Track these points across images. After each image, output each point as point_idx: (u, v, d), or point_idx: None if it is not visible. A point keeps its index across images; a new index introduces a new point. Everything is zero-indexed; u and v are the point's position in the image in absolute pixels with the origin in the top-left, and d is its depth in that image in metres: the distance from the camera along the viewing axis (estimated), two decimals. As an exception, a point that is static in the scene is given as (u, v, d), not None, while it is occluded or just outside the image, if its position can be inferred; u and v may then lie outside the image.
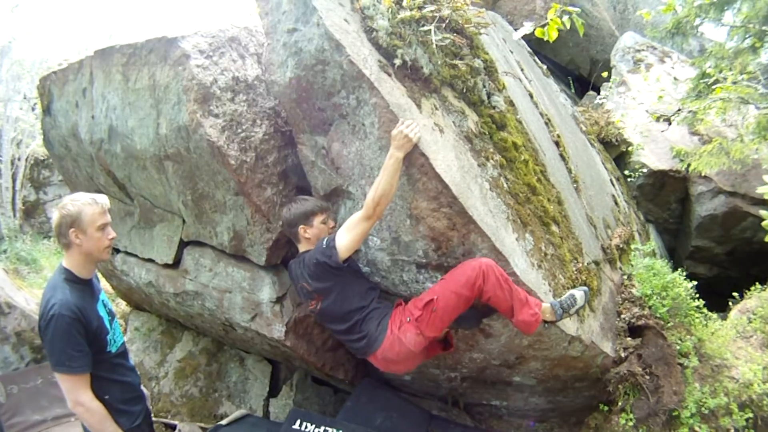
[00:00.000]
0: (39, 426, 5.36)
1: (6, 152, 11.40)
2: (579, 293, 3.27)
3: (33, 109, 12.40)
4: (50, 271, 9.85)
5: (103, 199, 2.57)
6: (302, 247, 3.22)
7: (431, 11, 3.30)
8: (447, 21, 3.43)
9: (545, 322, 3.18)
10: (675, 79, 8.13)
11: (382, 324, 3.00)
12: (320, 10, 2.94)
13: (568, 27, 2.99)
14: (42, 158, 12.04)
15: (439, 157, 2.92)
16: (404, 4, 3.27)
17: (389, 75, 3.00)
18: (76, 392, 2.38)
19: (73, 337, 2.33)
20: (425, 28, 3.21)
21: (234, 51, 3.57)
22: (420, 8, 3.28)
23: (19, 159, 11.78)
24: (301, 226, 3.15)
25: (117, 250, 5.08)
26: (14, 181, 11.54)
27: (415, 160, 2.87)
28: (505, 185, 3.40)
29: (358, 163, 3.08)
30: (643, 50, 8.75)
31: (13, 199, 11.42)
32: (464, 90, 3.44)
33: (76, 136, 4.74)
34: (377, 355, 3.03)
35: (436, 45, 3.24)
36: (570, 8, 2.95)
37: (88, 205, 2.47)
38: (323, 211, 3.21)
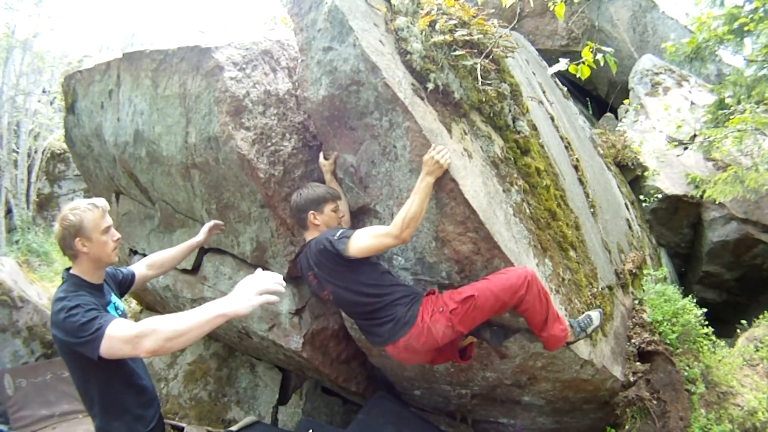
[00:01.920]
0: (46, 421, 5.42)
1: (23, 144, 11.50)
2: (595, 314, 3.34)
3: (51, 103, 12.51)
4: (61, 264, 9.90)
5: (102, 203, 2.51)
6: (309, 235, 3.17)
7: (462, 35, 3.35)
8: (476, 44, 3.49)
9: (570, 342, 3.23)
10: (692, 104, 8.16)
11: (412, 310, 2.93)
12: (357, 30, 2.99)
13: (602, 64, 3.02)
14: (59, 152, 12.15)
15: (468, 183, 2.97)
16: (437, 27, 3.32)
17: (422, 99, 3.06)
18: (129, 335, 2.01)
19: (92, 311, 2.20)
20: (457, 52, 3.26)
21: (266, 64, 3.62)
22: (452, 31, 3.33)
23: (36, 151, 11.88)
24: (312, 212, 3.10)
25: (135, 252, 5.12)
26: (30, 173, 11.64)
27: (444, 184, 2.92)
28: (528, 210, 3.45)
29: (387, 184, 3.12)
30: (661, 73, 8.78)
31: (28, 191, 11.51)
32: (491, 114, 3.49)
33: (99, 137, 4.79)
34: (399, 343, 2.95)
35: (466, 69, 3.29)
36: (604, 48, 2.99)
37: (89, 211, 2.41)
38: (334, 200, 3.17)
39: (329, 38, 3.10)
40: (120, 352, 2.03)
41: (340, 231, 2.92)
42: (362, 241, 2.82)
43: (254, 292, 1.95)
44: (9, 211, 11.10)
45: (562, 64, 3.01)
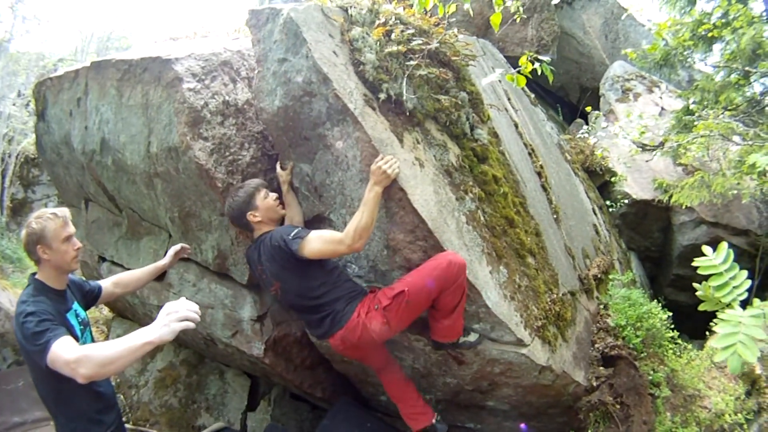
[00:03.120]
0: (18, 428, 5.38)
1: (-3, 149, 11.42)
2: (474, 336, 3.39)
3: (26, 107, 12.41)
4: (34, 270, 9.82)
5: (64, 212, 2.62)
6: (257, 233, 3.19)
7: (419, 44, 3.39)
8: (435, 53, 3.53)
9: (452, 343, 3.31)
10: (662, 110, 8.29)
11: (350, 306, 3.01)
12: (310, 42, 3.03)
13: (539, 74, 3.08)
14: (32, 156, 12.05)
15: (417, 192, 3.01)
16: (393, 36, 3.35)
17: (373, 109, 3.10)
18: (67, 359, 2.12)
19: (45, 321, 2.31)
20: (412, 62, 3.30)
21: (226, 75, 3.65)
22: (408, 41, 3.37)
23: (9, 156, 11.78)
24: (249, 213, 3.12)
25: (103, 259, 5.12)
26: (3, 177, 11.54)
27: (393, 194, 2.97)
28: (483, 218, 3.49)
29: (339, 193, 3.17)
30: (632, 79, 8.91)
31: (1, 196, 11.42)
32: (447, 123, 3.53)
33: (68, 145, 4.79)
34: (337, 336, 3.03)
35: (422, 79, 3.34)
36: (541, 57, 3.05)
37: (50, 220, 2.52)
38: (259, 188, 3.19)
39: (284, 49, 3.14)
40: (60, 370, 2.14)
41: (295, 230, 2.94)
42: (316, 245, 2.86)
43: (174, 319, 2.04)
44: (-18, 217, 11.01)
45: (496, 75, 3.06)
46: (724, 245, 3.02)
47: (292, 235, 2.90)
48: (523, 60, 3.06)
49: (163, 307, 2.09)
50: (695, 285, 3.25)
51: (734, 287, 2.88)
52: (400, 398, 3.56)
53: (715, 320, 3.64)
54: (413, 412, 3.52)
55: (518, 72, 3.05)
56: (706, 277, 3.18)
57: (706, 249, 3.06)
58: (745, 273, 3.00)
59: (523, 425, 3.92)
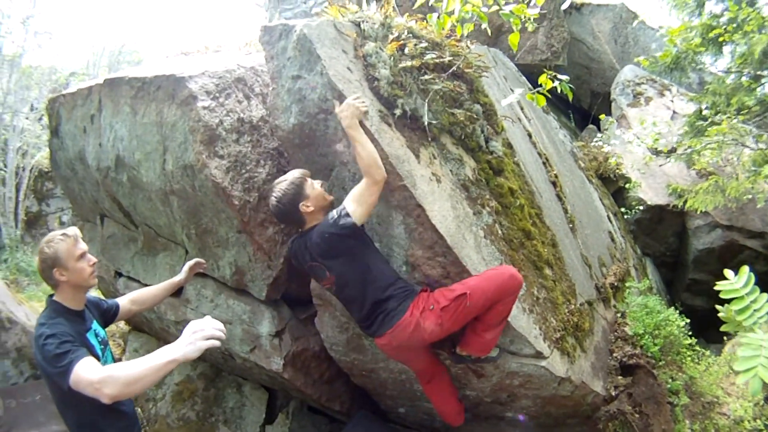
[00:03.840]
0: (35, 441, 5.42)
1: (11, 162, 11.51)
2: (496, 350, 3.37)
3: (39, 120, 12.52)
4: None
5: (74, 230, 2.63)
6: (308, 226, 3.06)
7: (433, 58, 3.39)
8: (448, 66, 3.53)
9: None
10: (674, 113, 8.24)
11: (402, 305, 2.92)
12: (324, 58, 3.04)
13: (559, 91, 3.07)
14: (46, 170, 12.14)
15: (435, 208, 3.01)
16: (406, 51, 3.35)
17: (389, 125, 3.10)
18: (91, 380, 2.11)
19: (66, 343, 2.31)
20: (426, 76, 3.30)
21: (240, 92, 3.67)
22: (422, 55, 3.37)
23: (23, 169, 11.88)
24: (301, 204, 2.97)
25: (120, 274, 5.15)
26: (18, 191, 11.63)
27: (412, 210, 2.97)
28: (500, 231, 3.48)
29: (356, 209, 3.16)
30: (643, 83, 8.87)
31: (16, 209, 11.50)
32: (462, 136, 3.53)
33: (83, 161, 4.83)
34: (385, 335, 2.96)
35: (436, 93, 3.34)
36: (561, 76, 3.04)
37: (61, 241, 2.53)
38: (305, 177, 3.04)
39: (298, 66, 3.15)
40: (84, 391, 2.14)
41: (333, 213, 2.87)
42: (359, 206, 2.81)
43: (200, 337, 2.05)
44: (-3, 230, 11.11)
45: (516, 95, 3.05)
46: (745, 269, 3.03)
47: (336, 217, 2.83)
48: (543, 78, 3.05)
49: (189, 325, 2.09)
50: (718, 308, 3.27)
51: (755, 310, 2.90)
52: (441, 408, 3.63)
53: (724, 327, 3.64)
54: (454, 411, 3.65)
55: (538, 91, 3.04)
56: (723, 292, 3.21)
57: (728, 273, 3.07)
58: (765, 296, 3.00)
59: (520, 416, 3.90)
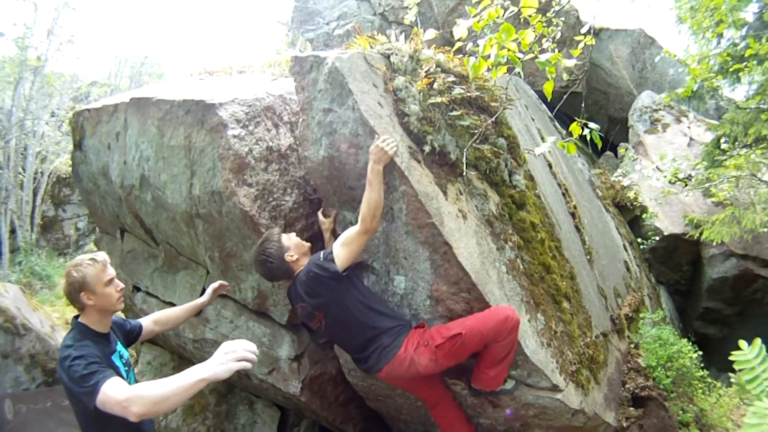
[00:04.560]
0: (45, 447, 5.47)
1: (30, 167, 11.64)
2: (511, 382, 3.42)
3: (59, 127, 12.66)
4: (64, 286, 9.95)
5: (103, 256, 2.65)
6: (296, 273, 3.21)
7: (460, 93, 3.44)
8: (474, 100, 3.58)
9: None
10: (691, 140, 8.26)
11: (396, 340, 3.02)
12: (356, 93, 3.09)
13: (588, 139, 3.13)
14: (64, 176, 12.29)
15: (462, 245, 3.05)
16: (435, 86, 3.41)
17: (418, 162, 3.15)
18: (119, 399, 2.13)
19: (93, 364, 2.34)
20: (454, 112, 3.35)
21: (269, 120, 3.72)
22: (450, 89, 3.43)
23: (42, 174, 12.01)
24: (285, 255, 3.18)
25: (138, 289, 5.19)
26: (35, 195, 11.77)
27: (438, 247, 3.02)
28: (521, 266, 3.52)
29: (384, 243, 3.21)
30: (660, 110, 8.89)
31: (32, 213, 11.64)
32: (487, 171, 3.57)
33: (106, 176, 4.88)
34: (384, 371, 3.06)
35: (463, 128, 3.39)
36: (591, 125, 3.10)
37: (90, 266, 2.55)
38: (279, 233, 3.27)
39: (329, 100, 3.20)
40: (111, 411, 2.15)
41: (322, 254, 3.02)
42: (344, 250, 2.94)
43: (232, 359, 2.06)
44: (13, 232, 11.22)
45: (547, 145, 3.10)
46: (758, 341, 3.20)
47: (322, 258, 2.98)
48: (573, 126, 3.10)
49: (222, 345, 2.10)
50: (731, 375, 3.40)
51: (764, 379, 3.05)
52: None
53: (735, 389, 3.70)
54: None
55: (569, 140, 3.10)
56: (739, 312, 3.34)
57: (743, 344, 3.25)
58: None
59: (508, 411, 3.90)
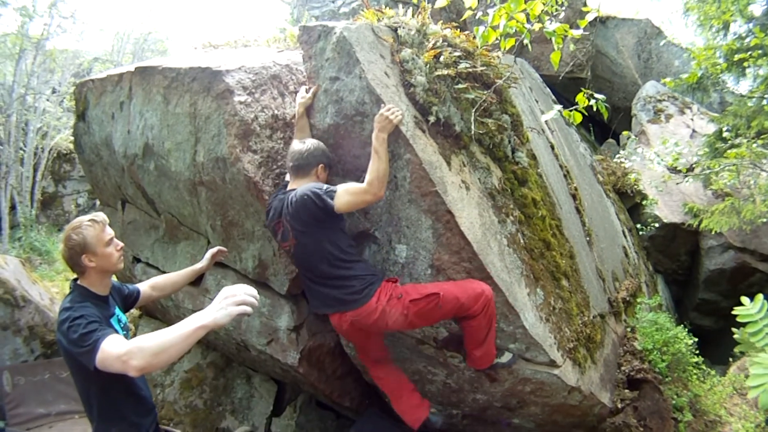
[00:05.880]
0: (42, 419, 5.48)
1: (30, 143, 11.62)
2: (508, 355, 3.44)
3: (60, 103, 12.62)
4: (62, 263, 9.98)
5: (101, 217, 2.62)
6: (295, 184, 3.12)
7: (466, 67, 3.45)
8: (479, 75, 3.59)
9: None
10: (694, 131, 8.28)
11: (368, 289, 2.95)
12: (363, 62, 3.10)
13: (594, 110, 3.14)
14: (65, 152, 12.27)
15: (464, 215, 3.07)
16: (441, 59, 3.41)
17: (423, 131, 3.16)
18: (118, 353, 2.07)
19: (93, 323, 2.29)
20: (460, 85, 3.36)
21: (275, 89, 3.72)
22: (456, 63, 3.43)
23: (42, 150, 11.99)
24: (321, 164, 3.12)
25: (138, 260, 5.21)
26: (35, 171, 11.74)
27: (441, 216, 3.03)
28: (522, 241, 3.54)
29: (386, 212, 3.23)
30: (664, 100, 8.89)
31: (32, 189, 11.62)
32: (491, 146, 3.59)
33: (109, 147, 4.88)
34: (347, 316, 3.01)
35: (468, 101, 3.40)
36: (597, 95, 3.10)
37: (89, 227, 2.52)
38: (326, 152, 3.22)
39: (336, 68, 3.21)
40: (111, 368, 2.10)
41: (326, 186, 2.95)
42: (346, 197, 2.87)
43: (231, 303, 2.02)
44: (13, 208, 11.21)
45: (554, 112, 3.11)
46: (760, 297, 3.30)
47: (324, 189, 2.90)
48: (579, 97, 3.11)
49: (221, 291, 2.05)
50: (734, 330, 3.51)
51: (767, 333, 3.15)
52: (394, 392, 3.58)
53: (738, 347, 3.79)
54: (409, 405, 3.54)
55: (575, 109, 3.10)
56: (735, 305, 3.43)
57: (745, 299, 3.33)
58: None
59: (503, 420, 3.93)
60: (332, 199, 2.86)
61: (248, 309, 2.04)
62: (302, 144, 3.15)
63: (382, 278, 3.08)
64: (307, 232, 2.98)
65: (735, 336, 3.49)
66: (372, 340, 3.36)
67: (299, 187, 3.02)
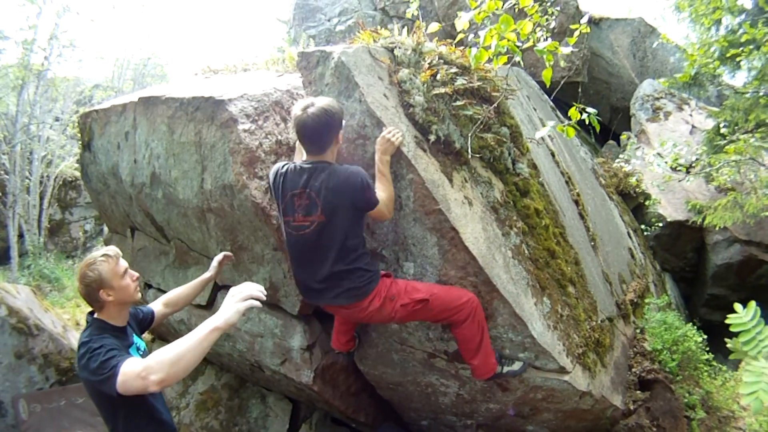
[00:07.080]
0: (59, 446, 5.55)
1: (36, 171, 11.74)
2: (519, 364, 3.49)
3: (64, 131, 12.75)
4: (72, 290, 10.07)
5: (114, 251, 2.66)
6: (316, 157, 2.95)
7: (463, 84, 3.52)
8: (477, 90, 3.65)
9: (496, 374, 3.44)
10: (693, 127, 8.31)
11: (367, 287, 2.95)
12: (362, 86, 3.17)
13: (587, 123, 3.21)
14: (70, 179, 12.40)
15: (468, 231, 3.13)
16: (438, 77, 3.48)
17: (424, 151, 3.22)
18: (137, 371, 2.08)
19: (113, 350, 2.31)
20: (458, 102, 3.43)
21: (277, 114, 3.80)
22: (452, 80, 3.50)
23: (48, 178, 12.11)
24: (341, 132, 3.00)
25: (149, 286, 5.27)
26: (42, 199, 11.87)
27: (446, 233, 3.09)
28: (527, 251, 3.59)
29: (392, 231, 3.28)
30: (662, 98, 8.94)
31: (39, 217, 11.74)
32: (491, 159, 3.65)
33: (116, 176, 4.96)
34: (342, 310, 3.11)
35: (467, 118, 3.46)
36: (589, 109, 3.17)
37: (103, 262, 2.56)
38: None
39: (336, 93, 3.28)
40: (133, 388, 2.12)
41: (368, 180, 2.85)
42: (381, 204, 2.91)
43: (238, 300, 2.10)
44: (21, 237, 11.32)
45: (547, 130, 3.17)
46: (752, 304, 3.37)
47: (369, 184, 2.84)
48: (572, 112, 3.18)
49: (229, 291, 2.11)
50: (727, 340, 3.60)
51: (759, 341, 3.22)
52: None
53: (732, 356, 3.87)
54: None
55: (569, 124, 3.17)
56: (745, 299, 3.49)
57: (738, 307, 3.41)
58: None
59: (510, 410, 3.95)
60: (376, 196, 2.88)
61: (256, 302, 2.11)
62: (316, 116, 2.83)
63: (379, 275, 3.06)
64: (338, 211, 2.84)
65: (728, 345, 3.56)
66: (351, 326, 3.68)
67: (324, 160, 2.93)
